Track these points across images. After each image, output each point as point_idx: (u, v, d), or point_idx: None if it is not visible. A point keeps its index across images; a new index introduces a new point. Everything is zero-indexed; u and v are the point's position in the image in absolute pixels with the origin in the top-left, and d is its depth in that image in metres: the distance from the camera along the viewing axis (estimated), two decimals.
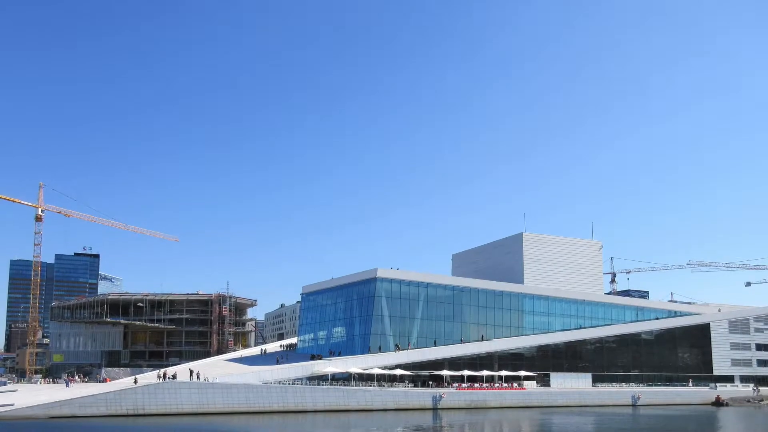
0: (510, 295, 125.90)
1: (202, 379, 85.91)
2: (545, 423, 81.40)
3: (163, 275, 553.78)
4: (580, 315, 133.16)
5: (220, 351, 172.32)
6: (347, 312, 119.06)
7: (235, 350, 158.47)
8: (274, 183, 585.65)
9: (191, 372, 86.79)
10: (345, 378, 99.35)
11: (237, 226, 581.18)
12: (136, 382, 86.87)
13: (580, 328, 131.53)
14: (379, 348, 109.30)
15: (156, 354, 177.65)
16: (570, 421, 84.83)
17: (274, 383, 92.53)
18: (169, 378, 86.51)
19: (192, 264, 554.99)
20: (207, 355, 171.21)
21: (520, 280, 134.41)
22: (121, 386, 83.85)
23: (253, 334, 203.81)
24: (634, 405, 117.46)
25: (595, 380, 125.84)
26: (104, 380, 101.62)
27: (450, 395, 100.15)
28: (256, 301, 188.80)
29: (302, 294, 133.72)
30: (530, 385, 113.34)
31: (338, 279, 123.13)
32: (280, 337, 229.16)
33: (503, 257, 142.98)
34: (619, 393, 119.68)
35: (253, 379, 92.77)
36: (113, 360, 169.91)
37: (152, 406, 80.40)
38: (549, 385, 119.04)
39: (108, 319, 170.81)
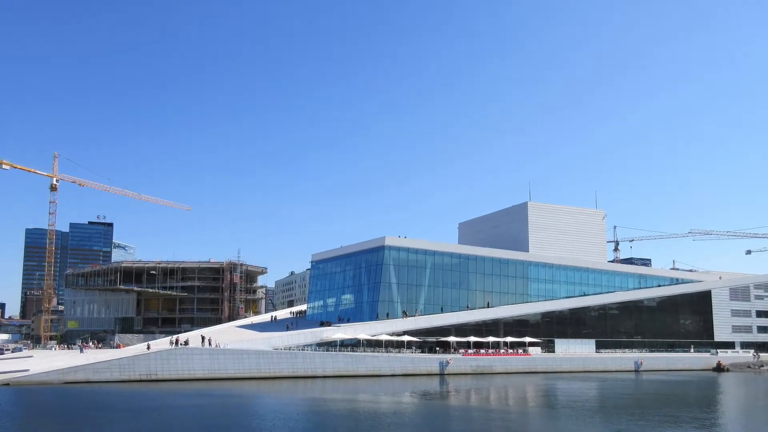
0: (515, 262, 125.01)
1: (213, 346, 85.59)
2: (549, 388, 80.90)
3: (175, 243, 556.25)
4: (584, 282, 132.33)
5: (231, 318, 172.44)
6: (356, 279, 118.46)
7: (245, 317, 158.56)
8: (285, 153, 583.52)
9: (203, 338, 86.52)
10: (353, 344, 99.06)
11: (248, 195, 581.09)
12: (149, 348, 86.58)
13: (584, 295, 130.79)
14: (387, 315, 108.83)
15: (168, 321, 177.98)
16: (574, 387, 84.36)
17: (284, 349, 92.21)
18: (181, 344, 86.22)
19: (204, 232, 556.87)
20: (218, 321, 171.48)
21: (525, 248, 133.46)
22: (134, 352, 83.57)
23: (263, 301, 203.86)
24: (636, 371, 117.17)
25: (599, 346, 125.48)
26: (117, 346, 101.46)
27: (456, 361, 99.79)
28: (266, 268, 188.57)
29: (312, 262, 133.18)
30: (535, 351, 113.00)
31: (347, 247, 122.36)
32: (290, 304, 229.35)
33: (509, 226, 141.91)
34: (622, 359, 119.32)
35: (263, 345, 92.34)
36: (126, 327, 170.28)
37: (165, 372, 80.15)
38: (553, 351, 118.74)
39: (121, 287, 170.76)
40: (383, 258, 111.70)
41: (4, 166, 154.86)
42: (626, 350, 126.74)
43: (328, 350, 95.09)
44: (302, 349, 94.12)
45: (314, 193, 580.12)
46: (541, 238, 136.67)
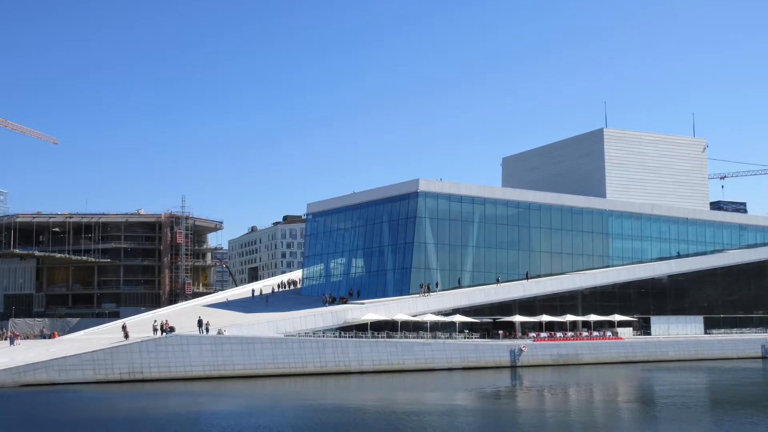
0: (591, 213, 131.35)
1: (213, 332, 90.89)
2: (670, 386, 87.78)
3: (80, 191, 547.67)
4: (683, 239, 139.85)
5: (173, 294, 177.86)
6: (375, 239, 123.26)
7: (202, 291, 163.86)
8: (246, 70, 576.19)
9: (201, 322, 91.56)
10: (390, 328, 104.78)
11: (178, 121, 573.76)
12: (125, 330, 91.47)
13: (679, 255, 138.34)
14: (422, 287, 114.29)
15: (83, 298, 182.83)
16: (697, 381, 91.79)
17: (298, 335, 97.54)
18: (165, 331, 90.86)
19: (119, 176, 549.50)
20: (156, 298, 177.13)
21: (600, 192, 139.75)
22: (108, 343, 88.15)
23: (213, 270, 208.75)
24: (764, 357, 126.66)
25: (708, 325, 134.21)
26: (12, 337, 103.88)
27: (532, 349, 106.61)
28: (221, 222, 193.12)
29: (307, 215, 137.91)
30: (626, 333, 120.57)
31: (361, 194, 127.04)
32: (253, 272, 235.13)
33: (576, 161, 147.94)
34: (745, 342, 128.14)
35: (269, 330, 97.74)
36: (22, 308, 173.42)
37: (153, 369, 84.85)
38: (649, 333, 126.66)
39: (16, 251, 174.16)
40: (416, 209, 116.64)
41: None
42: (744, 330, 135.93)
43: (357, 336, 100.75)
44: (323, 335, 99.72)
45: (286, 120, 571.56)
46: (622, 178, 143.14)
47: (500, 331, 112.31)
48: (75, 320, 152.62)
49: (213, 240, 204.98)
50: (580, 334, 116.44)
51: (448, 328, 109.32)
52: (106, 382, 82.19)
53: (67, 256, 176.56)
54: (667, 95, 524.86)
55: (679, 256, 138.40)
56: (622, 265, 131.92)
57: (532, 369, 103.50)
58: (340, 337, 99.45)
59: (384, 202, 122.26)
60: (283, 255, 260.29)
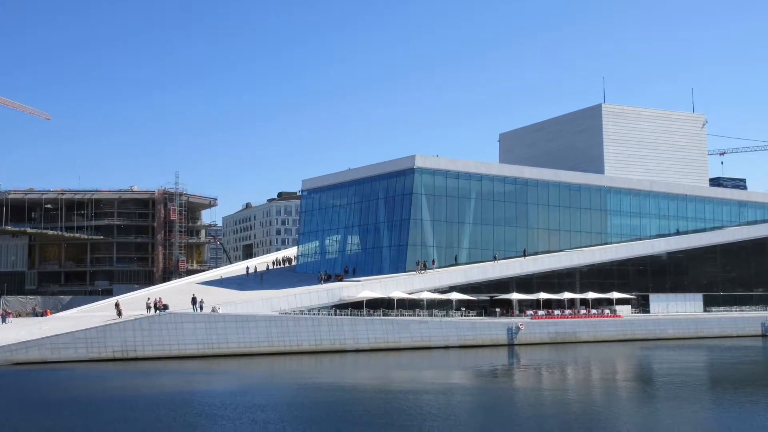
0: (589, 189, 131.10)
1: (207, 309, 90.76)
2: (671, 365, 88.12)
3: (67, 168, 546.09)
4: (682, 215, 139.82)
5: (167, 271, 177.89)
6: (371, 216, 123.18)
7: (196, 269, 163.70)
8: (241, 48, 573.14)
9: (195, 300, 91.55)
10: (386, 306, 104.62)
11: (173, 96, 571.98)
12: (118, 308, 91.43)
13: (678, 232, 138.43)
14: (418, 264, 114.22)
15: (75, 276, 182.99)
16: (697, 360, 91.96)
17: (292, 313, 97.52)
18: (160, 310, 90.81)
19: (111, 152, 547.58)
20: (149, 276, 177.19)
21: (598, 168, 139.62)
22: (101, 321, 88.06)
23: (207, 246, 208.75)
24: (764, 335, 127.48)
25: (708, 303, 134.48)
26: (4, 315, 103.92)
27: (530, 326, 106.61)
28: (215, 199, 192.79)
29: (302, 191, 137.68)
30: (624, 311, 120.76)
31: (357, 170, 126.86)
32: (247, 249, 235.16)
33: (574, 137, 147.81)
34: (744, 320, 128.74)
35: (264, 308, 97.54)
36: (15, 285, 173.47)
37: (146, 347, 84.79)
38: (647, 310, 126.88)
39: (8, 228, 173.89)
40: (413, 185, 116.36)
41: None
42: (744, 308, 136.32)
43: (353, 313, 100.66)
44: (318, 312, 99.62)
45: (281, 95, 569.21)
46: (621, 155, 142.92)
47: (497, 309, 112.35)
48: (67, 298, 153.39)
49: (207, 217, 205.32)
50: (578, 311, 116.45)
51: (444, 305, 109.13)
52: (98, 361, 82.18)
53: (60, 233, 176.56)
54: (666, 71, 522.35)
55: (678, 233, 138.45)
56: (621, 242, 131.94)
57: (529, 347, 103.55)
58: (335, 314, 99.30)
59: (380, 178, 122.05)
60: (278, 232, 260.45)
